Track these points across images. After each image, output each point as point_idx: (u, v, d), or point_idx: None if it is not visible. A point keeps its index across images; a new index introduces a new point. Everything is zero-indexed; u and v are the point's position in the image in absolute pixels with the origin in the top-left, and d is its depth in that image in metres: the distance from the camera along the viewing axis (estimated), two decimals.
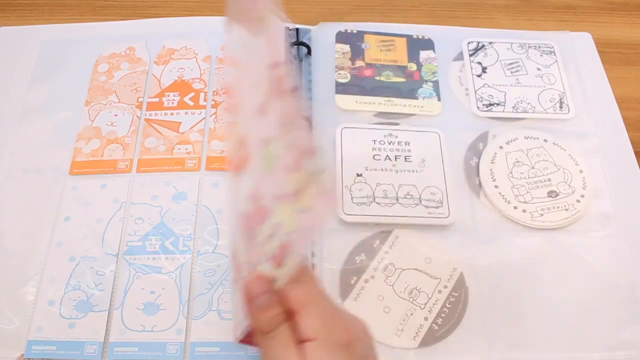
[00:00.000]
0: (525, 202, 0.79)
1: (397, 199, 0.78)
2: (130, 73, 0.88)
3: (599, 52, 0.95)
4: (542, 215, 0.78)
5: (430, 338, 0.70)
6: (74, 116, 0.85)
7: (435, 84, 0.89)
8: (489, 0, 1.02)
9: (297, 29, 0.94)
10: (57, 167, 0.80)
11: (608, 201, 0.80)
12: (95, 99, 0.86)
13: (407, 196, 0.78)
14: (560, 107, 0.87)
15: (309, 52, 0.91)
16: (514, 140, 0.84)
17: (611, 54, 0.96)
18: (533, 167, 0.82)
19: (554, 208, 0.78)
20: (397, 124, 0.85)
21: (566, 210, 0.78)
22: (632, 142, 0.85)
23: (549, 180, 0.81)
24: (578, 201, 0.79)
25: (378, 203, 0.78)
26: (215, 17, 0.95)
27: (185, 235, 0.75)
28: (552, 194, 0.79)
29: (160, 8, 0.98)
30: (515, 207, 0.78)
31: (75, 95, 0.86)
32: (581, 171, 0.82)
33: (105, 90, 0.87)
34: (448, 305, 0.72)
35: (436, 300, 0.72)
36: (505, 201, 0.79)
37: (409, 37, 0.94)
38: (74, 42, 0.92)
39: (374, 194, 0.78)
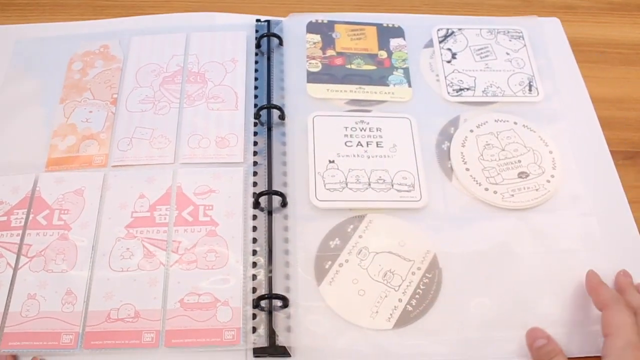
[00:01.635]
0: (496, 184, 0.77)
1: (369, 184, 0.77)
2: (105, 70, 0.87)
3: (599, 52, 0.93)
4: (512, 195, 0.77)
5: (405, 319, 0.69)
6: (49, 113, 0.83)
7: (406, 71, 0.88)
8: (489, 0, 1.00)
9: (268, 21, 0.92)
10: (33, 163, 0.79)
11: (578, 181, 0.79)
12: (69, 96, 0.84)
13: (379, 181, 0.77)
14: (530, 90, 0.86)
15: (281, 43, 0.90)
16: (485, 124, 0.83)
17: (611, 54, 0.94)
18: (503, 149, 0.80)
19: (524, 189, 0.77)
20: (369, 111, 0.83)
21: (536, 190, 0.77)
22: (632, 143, 0.84)
23: (519, 161, 0.80)
24: (548, 181, 0.78)
25: (350, 188, 0.76)
26: (188, 13, 0.94)
27: None
28: (523, 175, 0.78)
29: (160, 8, 0.96)
30: (487, 189, 0.77)
31: (50, 92, 0.85)
32: (551, 152, 0.80)
33: (80, 88, 0.85)
34: (422, 287, 0.71)
35: (410, 282, 0.71)
36: (477, 183, 0.77)
37: (379, 26, 0.92)
38: (47, 40, 0.90)
39: (346, 179, 0.77)
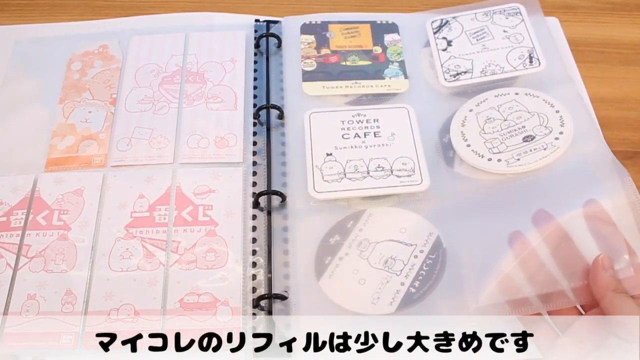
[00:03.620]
0: (499, 152, 0.70)
1: (368, 172, 0.70)
2: (104, 70, 0.83)
3: (599, 52, 0.87)
4: (518, 160, 0.69)
5: (408, 301, 0.63)
6: (49, 113, 0.79)
7: (402, 64, 0.81)
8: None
9: (267, 21, 0.87)
10: (32, 164, 0.75)
11: (591, 136, 0.72)
12: (69, 96, 0.80)
13: (377, 169, 0.71)
14: (530, 61, 0.79)
15: (280, 43, 0.85)
16: (484, 101, 0.76)
17: (611, 54, 0.87)
18: (505, 120, 0.73)
19: (530, 150, 0.70)
20: (366, 105, 0.78)
21: (544, 149, 0.70)
22: (632, 142, 0.78)
23: (524, 127, 0.72)
24: (557, 138, 0.70)
25: (349, 178, 0.70)
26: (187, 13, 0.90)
27: None
28: (528, 139, 0.71)
29: (160, 8, 0.91)
30: (490, 159, 0.70)
31: (49, 93, 0.80)
32: (558, 111, 0.73)
33: (79, 88, 0.81)
34: (425, 268, 0.65)
35: (412, 265, 0.65)
36: (479, 156, 0.71)
37: (372, 23, 0.86)
38: (46, 40, 0.86)
39: (344, 170, 0.71)
